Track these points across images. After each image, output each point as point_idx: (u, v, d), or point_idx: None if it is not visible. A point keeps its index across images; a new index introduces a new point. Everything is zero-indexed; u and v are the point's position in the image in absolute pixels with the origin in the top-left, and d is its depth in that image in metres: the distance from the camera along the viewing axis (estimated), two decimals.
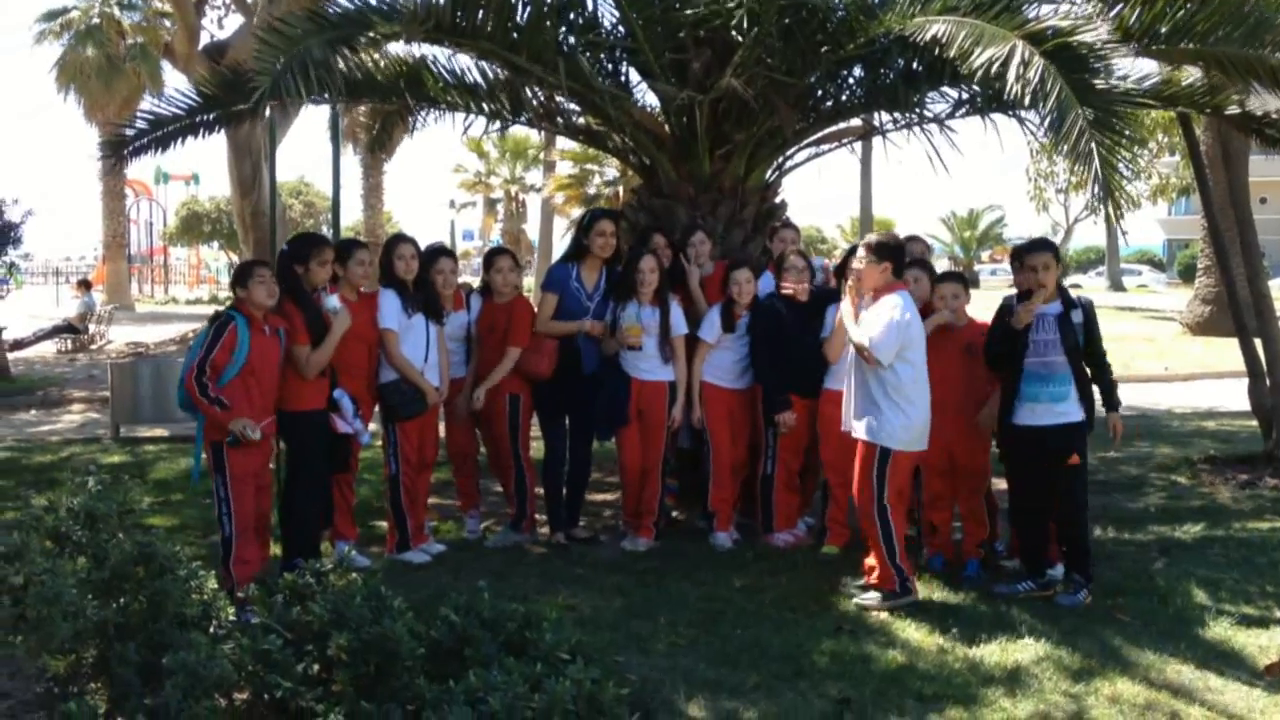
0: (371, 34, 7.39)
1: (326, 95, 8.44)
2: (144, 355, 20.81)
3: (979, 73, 6.48)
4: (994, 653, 5.51)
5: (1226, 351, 16.69)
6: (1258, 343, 10.21)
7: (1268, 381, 10.04)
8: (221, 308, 6.35)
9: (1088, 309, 6.51)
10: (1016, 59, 6.24)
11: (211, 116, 8.79)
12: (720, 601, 6.36)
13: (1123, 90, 6.95)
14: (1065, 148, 6.03)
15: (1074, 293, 6.72)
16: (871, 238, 6.53)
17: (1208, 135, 15.45)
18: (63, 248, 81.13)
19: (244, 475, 6.13)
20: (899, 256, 6.39)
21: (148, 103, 13.75)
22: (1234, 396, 11.08)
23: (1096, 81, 6.27)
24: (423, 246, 7.51)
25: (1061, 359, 6.31)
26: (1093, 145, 5.85)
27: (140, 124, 8.95)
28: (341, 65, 7.80)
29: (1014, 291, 6.67)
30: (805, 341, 7.24)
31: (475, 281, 7.97)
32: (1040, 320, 6.35)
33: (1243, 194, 10.88)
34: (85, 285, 26.83)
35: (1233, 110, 9.21)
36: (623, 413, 7.41)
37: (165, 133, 8.75)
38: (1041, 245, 6.60)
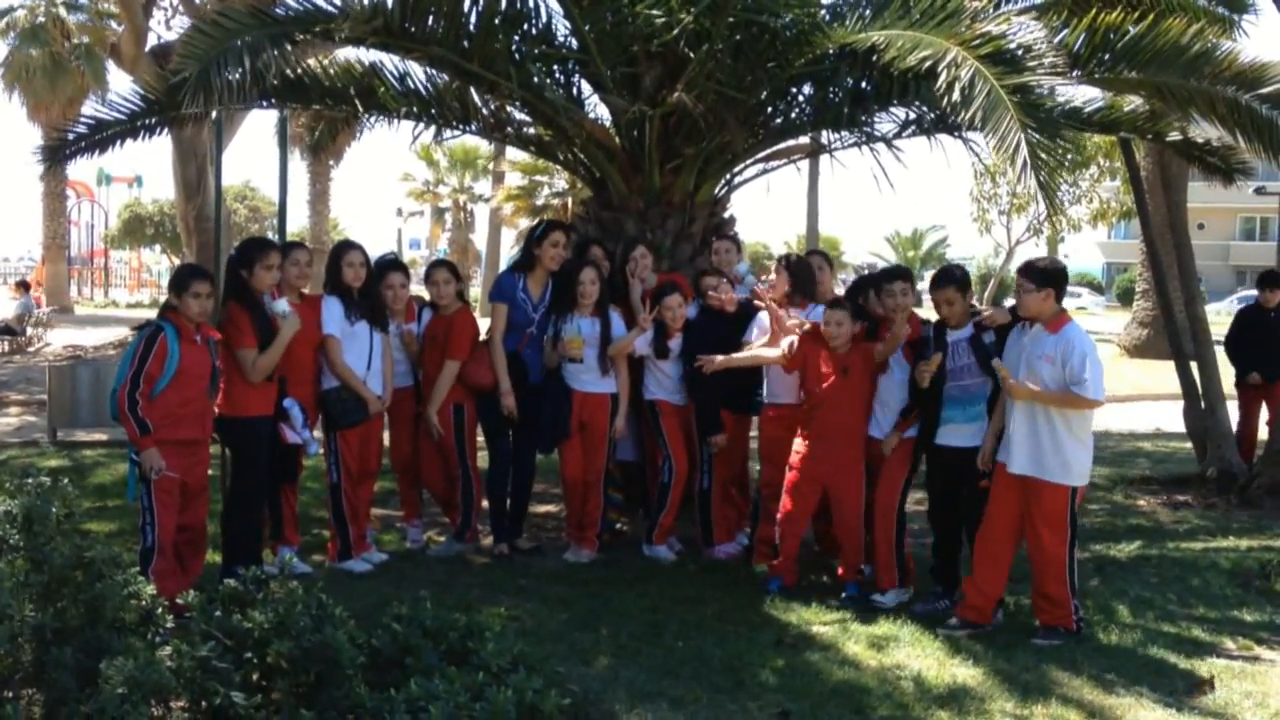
0: (316, 29, 7.33)
1: (268, 96, 8.36)
2: (82, 358, 20.51)
3: (911, 74, 6.63)
4: (933, 668, 5.57)
5: (1163, 374, 16.89)
6: (1193, 366, 10.40)
7: (1202, 404, 10.23)
8: (152, 316, 6.27)
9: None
10: (948, 59, 6.44)
11: (153, 120, 8.66)
12: (662, 613, 6.38)
13: (1063, 109, 7.09)
14: (993, 140, 6.18)
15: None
16: (1032, 261, 6.22)
17: (1148, 161, 15.69)
18: (0, 248, 79.92)
19: (170, 487, 6.04)
20: (1062, 282, 6.06)
21: (90, 106, 13.57)
22: (1170, 418, 11.26)
23: (1027, 79, 6.43)
24: (371, 255, 7.48)
25: (979, 380, 6.36)
26: (1020, 137, 5.99)
27: (81, 128, 8.79)
28: (289, 69, 7.73)
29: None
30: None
31: (425, 293, 7.93)
32: (954, 348, 6.42)
33: (1181, 219, 11.07)
34: (23, 286, 26.47)
35: (1174, 137, 9.38)
36: (565, 426, 7.39)
37: (105, 135, 8.61)
38: (945, 279, 6.53)
